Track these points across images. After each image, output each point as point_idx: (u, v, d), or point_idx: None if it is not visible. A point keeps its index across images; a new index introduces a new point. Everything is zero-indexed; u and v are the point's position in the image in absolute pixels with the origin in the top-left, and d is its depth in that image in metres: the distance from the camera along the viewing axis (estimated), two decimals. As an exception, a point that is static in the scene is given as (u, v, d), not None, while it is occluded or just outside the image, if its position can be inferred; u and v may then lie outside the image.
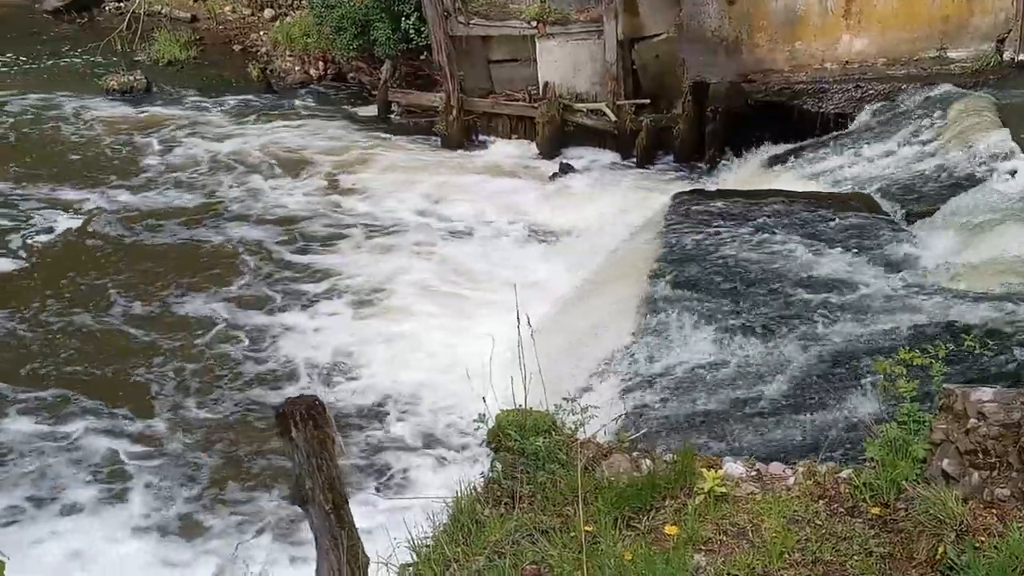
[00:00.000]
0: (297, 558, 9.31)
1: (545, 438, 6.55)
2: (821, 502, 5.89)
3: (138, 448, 11.54)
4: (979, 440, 5.48)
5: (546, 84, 18.67)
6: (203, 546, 9.99)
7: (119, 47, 24.85)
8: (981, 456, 5.47)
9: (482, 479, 6.75)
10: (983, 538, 5.09)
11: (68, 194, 18.00)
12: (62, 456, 11.39)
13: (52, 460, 11.31)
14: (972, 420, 5.51)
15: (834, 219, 12.54)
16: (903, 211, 12.80)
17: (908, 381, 6.18)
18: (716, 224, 12.78)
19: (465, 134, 19.61)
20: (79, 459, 11.36)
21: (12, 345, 13.61)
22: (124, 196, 17.95)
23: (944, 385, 5.98)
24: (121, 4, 27.66)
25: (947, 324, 9.72)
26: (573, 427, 6.81)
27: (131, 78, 22.94)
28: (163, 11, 27.11)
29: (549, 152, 18.74)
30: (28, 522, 10.43)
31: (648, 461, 6.54)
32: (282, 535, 9.93)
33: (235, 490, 10.79)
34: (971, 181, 12.87)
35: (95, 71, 23.95)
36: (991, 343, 8.62)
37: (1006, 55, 16.68)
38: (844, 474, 6.11)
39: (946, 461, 5.64)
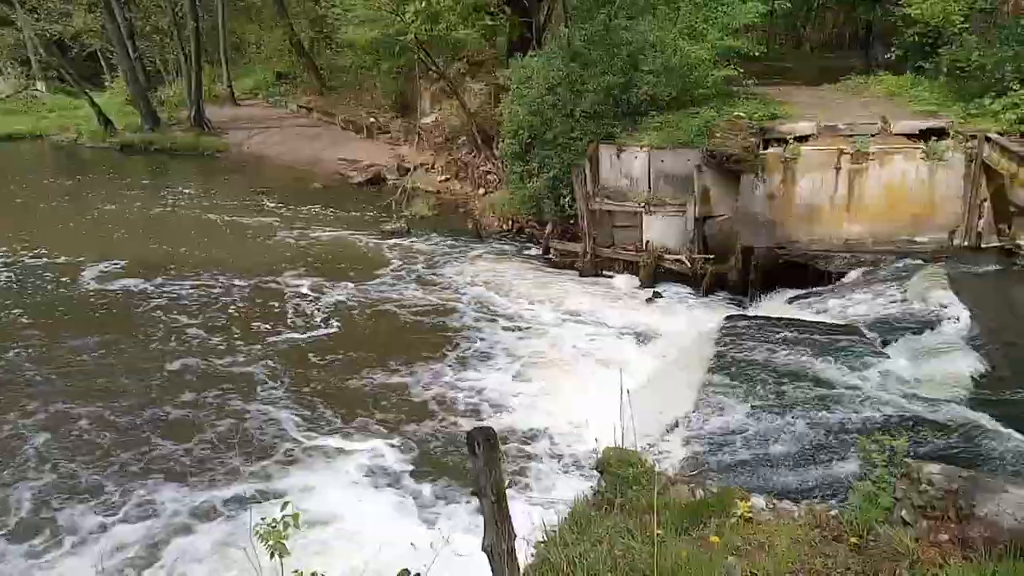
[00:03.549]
0: (472, 528, 9.23)
1: (634, 468, 6.48)
2: (816, 530, 5.59)
3: (388, 455, 11.63)
4: (928, 500, 5.17)
5: (648, 242, 18.64)
6: (414, 526, 9.94)
7: (393, 206, 26.08)
8: (929, 510, 5.15)
9: (591, 491, 6.68)
10: (929, 568, 4.75)
11: (352, 291, 18.77)
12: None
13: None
14: (923, 485, 5.21)
15: (833, 340, 12.04)
16: (880, 338, 12.19)
17: (879, 454, 5.88)
18: (753, 338, 12.44)
19: (595, 270, 19.60)
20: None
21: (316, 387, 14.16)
22: (383, 293, 18.53)
23: (905, 459, 5.69)
24: (397, 181, 29.23)
25: (909, 417, 9.15)
26: (652, 463, 6.71)
27: (397, 225, 23.95)
28: (420, 187, 28.47)
29: (647, 284, 18.57)
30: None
31: (701, 491, 6.37)
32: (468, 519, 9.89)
33: (442, 486, 10.83)
34: (926, 322, 12.24)
35: (378, 219, 25.15)
36: (938, 432, 8.14)
37: (956, 241, 16.01)
38: (833, 513, 5.81)
39: (904, 512, 5.31)
